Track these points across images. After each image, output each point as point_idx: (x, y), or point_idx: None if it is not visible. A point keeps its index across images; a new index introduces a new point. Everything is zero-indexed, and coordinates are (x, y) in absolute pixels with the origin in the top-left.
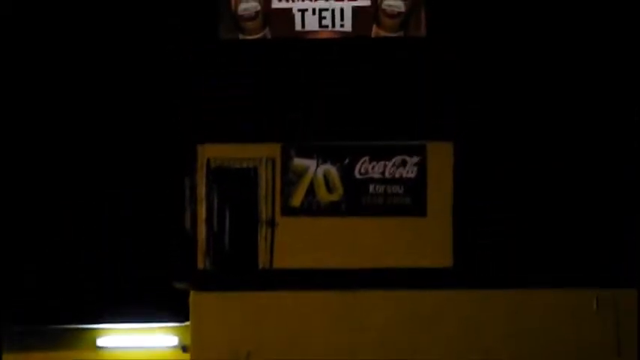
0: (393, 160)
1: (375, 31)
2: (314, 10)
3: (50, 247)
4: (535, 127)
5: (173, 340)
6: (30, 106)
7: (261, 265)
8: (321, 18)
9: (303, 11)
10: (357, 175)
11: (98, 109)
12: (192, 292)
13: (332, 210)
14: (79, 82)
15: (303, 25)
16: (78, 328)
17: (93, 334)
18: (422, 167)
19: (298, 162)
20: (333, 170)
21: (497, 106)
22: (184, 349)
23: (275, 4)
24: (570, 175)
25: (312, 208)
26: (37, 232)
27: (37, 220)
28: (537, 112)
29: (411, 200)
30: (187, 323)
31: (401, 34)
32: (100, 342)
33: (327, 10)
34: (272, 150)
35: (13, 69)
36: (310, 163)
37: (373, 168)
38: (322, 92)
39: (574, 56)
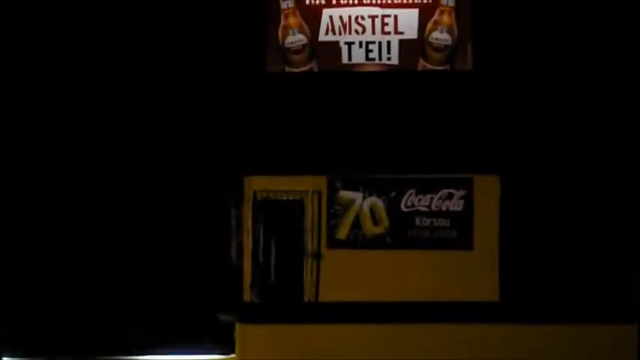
0: (440, 193)
1: (421, 64)
2: (361, 43)
3: (90, 274)
4: (583, 163)
5: None
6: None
7: (306, 298)
8: (367, 51)
9: (349, 44)
10: (404, 208)
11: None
12: (238, 325)
13: (378, 243)
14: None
15: (349, 58)
16: None
17: None
18: (468, 200)
19: (344, 194)
20: (379, 203)
21: (544, 139)
22: None
23: (322, 37)
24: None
25: (357, 240)
26: (74, 258)
27: (78, 250)
28: (585, 147)
29: (458, 234)
30: (233, 356)
31: (447, 67)
32: None
33: (374, 43)
34: (318, 182)
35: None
36: (356, 196)
37: (419, 201)
38: (369, 124)
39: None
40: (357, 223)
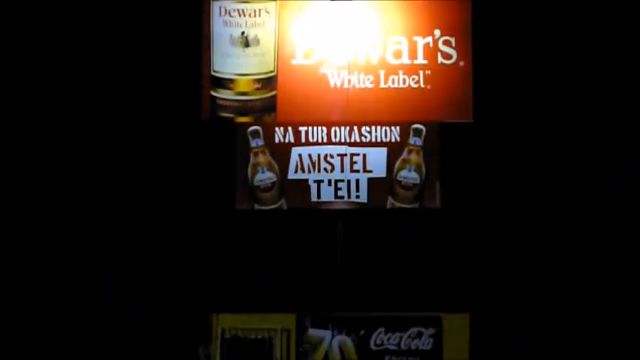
0: (409, 331)
1: (390, 202)
2: (330, 181)
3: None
4: (555, 290)
5: None
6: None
7: None
8: (337, 189)
9: (319, 182)
10: (373, 347)
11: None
12: None
13: None
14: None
15: (318, 196)
16: None
17: None
18: (438, 339)
19: (313, 333)
20: (348, 341)
21: (513, 274)
22: None
23: (291, 175)
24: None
25: None
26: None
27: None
28: (556, 277)
29: None
30: None
31: (416, 205)
32: None
33: (342, 181)
34: (287, 320)
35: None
36: (325, 334)
37: (389, 339)
38: (338, 262)
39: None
40: None
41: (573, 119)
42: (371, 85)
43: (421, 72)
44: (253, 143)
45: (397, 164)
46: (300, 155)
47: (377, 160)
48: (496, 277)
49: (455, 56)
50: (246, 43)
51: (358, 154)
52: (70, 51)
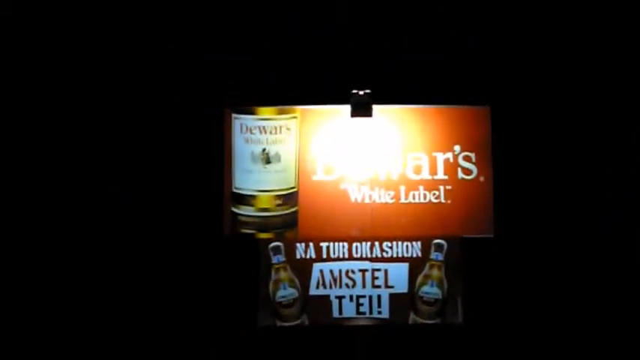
0: None
1: (412, 318)
2: (351, 297)
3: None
4: None
5: None
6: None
7: None
8: (358, 305)
9: (340, 298)
10: None
11: None
12: None
13: None
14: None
15: (340, 312)
16: None
17: None
18: None
19: None
20: None
21: None
22: None
23: (312, 291)
24: None
25: None
26: None
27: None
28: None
29: None
30: None
31: (438, 321)
32: None
33: (364, 297)
34: None
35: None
36: None
37: None
38: None
39: None
40: None
41: (596, 225)
42: (392, 201)
43: (441, 187)
44: (274, 259)
45: (419, 279)
46: (321, 271)
47: (398, 275)
48: None
49: (475, 171)
50: (268, 160)
51: (380, 270)
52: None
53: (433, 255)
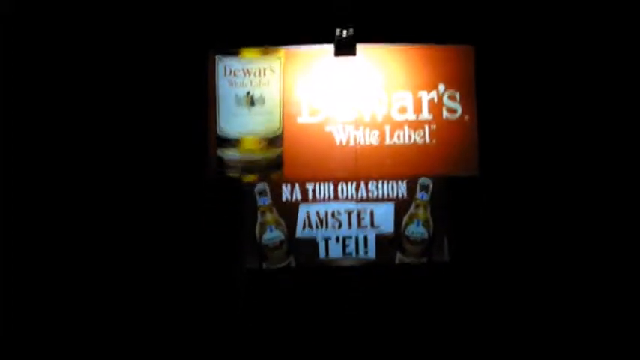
0: None
1: (398, 257)
2: (337, 238)
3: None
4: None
5: None
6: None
7: None
8: (345, 245)
9: (326, 239)
10: None
11: None
12: None
13: None
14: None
15: (327, 253)
16: None
17: None
18: None
19: None
20: None
21: (524, 326)
22: None
23: (299, 233)
24: None
25: None
26: None
27: None
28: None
29: None
30: None
31: (424, 260)
32: None
33: (350, 237)
34: None
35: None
36: None
37: None
38: (347, 319)
39: None
40: None
41: (582, 166)
42: (377, 142)
43: (427, 127)
44: (260, 202)
45: (405, 219)
46: (307, 212)
47: (384, 215)
48: (506, 328)
49: (460, 111)
50: (252, 103)
51: (365, 210)
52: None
53: (419, 195)
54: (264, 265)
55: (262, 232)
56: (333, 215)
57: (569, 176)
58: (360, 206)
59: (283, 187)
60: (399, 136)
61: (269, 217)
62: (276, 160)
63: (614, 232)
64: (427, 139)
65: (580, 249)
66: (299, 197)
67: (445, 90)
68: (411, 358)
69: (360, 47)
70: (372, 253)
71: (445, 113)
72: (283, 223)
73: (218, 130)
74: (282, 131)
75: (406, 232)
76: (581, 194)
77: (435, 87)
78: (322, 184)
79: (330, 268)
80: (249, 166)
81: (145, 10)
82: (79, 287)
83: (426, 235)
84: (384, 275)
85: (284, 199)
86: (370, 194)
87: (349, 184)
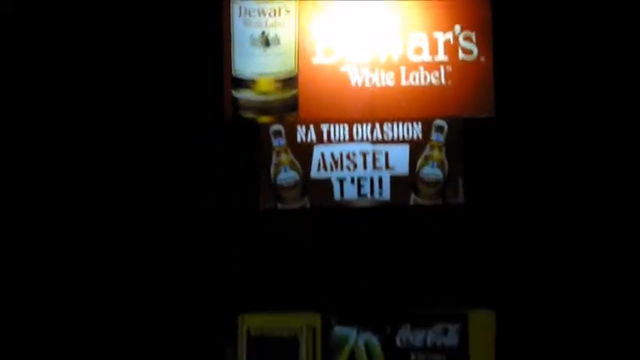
0: (434, 328)
1: (412, 199)
2: (352, 179)
3: None
4: (579, 296)
5: None
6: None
7: None
8: (359, 187)
9: (341, 180)
10: (399, 344)
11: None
12: None
13: None
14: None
15: (341, 195)
16: None
17: None
18: (464, 336)
19: (339, 330)
20: (373, 339)
21: (539, 271)
22: None
23: (314, 174)
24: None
25: None
26: None
27: None
28: (581, 280)
29: None
30: None
31: (439, 201)
32: None
33: (365, 179)
34: (312, 319)
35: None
36: (351, 332)
37: (415, 336)
38: (362, 260)
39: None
40: None
41: (598, 111)
42: (392, 83)
43: (442, 68)
44: (275, 143)
45: (419, 161)
46: (322, 153)
47: (399, 157)
48: (521, 273)
49: (476, 52)
50: (267, 43)
51: (380, 152)
52: (85, 51)
53: (434, 136)
54: (279, 206)
55: (277, 172)
56: (348, 156)
57: (584, 116)
58: (375, 147)
59: (298, 128)
60: (414, 78)
61: (284, 158)
62: (291, 101)
63: (629, 177)
64: (442, 81)
65: (597, 191)
66: (314, 138)
67: (461, 31)
68: (425, 298)
69: None
70: (386, 195)
71: (461, 54)
72: (298, 164)
73: (233, 71)
74: (297, 72)
75: (421, 174)
76: (599, 134)
77: (451, 28)
78: (337, 126)
79: (344, 209)
80: (264, 107)
81: None
82: (86, 242)
83: (440, 177)
84: (398, 217)
85: (299, 140)
86: (385, 136)
87: (364, 125)
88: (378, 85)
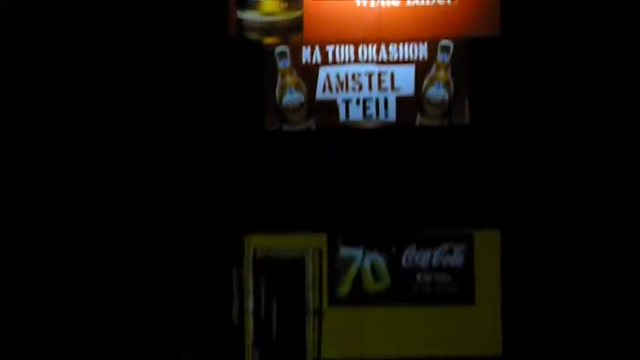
0: (440, 248)
1: (418, 119)
2: (358, 100)
3: None
4: (583, 213)
5: None
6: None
7: (309, 357)
8: (365, 108)
9: (347, 102)
10: (404, 264)
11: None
12: None
13: (379, 299)
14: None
15: (347, 116)
16: None
17: None
18: (469, 255)
19: (345, 251)
20: (379, 259)
21: (544, 192)
22: None
23: (319, 95)
24: (629, 260)
25: (359, 297)
26: None
27: None
28: (584, 198)
29: (459, 289)
30: None
31: (445, 122)
32: None
33: (371, 100)
34: (318, 240)
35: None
36: (357, 253)
37: (420, 256)
38: (368, 181)
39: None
40: (358, 280)
41: (606, 30)
42: (397, 3)
43: None
44: (280, 64)
45: (425, 81)
46: (327, 75)
47: (405, 77)
48: (526, 193)
49: None
50: None
51: (386, 72)
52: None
53: (439, 57)
54: (285, 127)
55: (282, 94)
56: (353, 77)
57: (590, 37)
58: (381, 68)
59: (303, 49)
60: None
61: (289, 79)
62: (296, 21)
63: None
64: (448, 0)
65: (603, 110)
66: (319, 59)
67: None
68: (431, 218)
69: None
70: (392, 116)
71: None
72: (303, 85)
73: None
74: None
75: (426, 95)
76: (605, 53)
77: None
78: (342, 46)
79: (350, 130)
80: (269, 28)
81: None
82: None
83: (446, 97)
84: (404, 137)
85: (304, 62)
86: (391, 56)
87: (370, 46)
88: (383, 4)
